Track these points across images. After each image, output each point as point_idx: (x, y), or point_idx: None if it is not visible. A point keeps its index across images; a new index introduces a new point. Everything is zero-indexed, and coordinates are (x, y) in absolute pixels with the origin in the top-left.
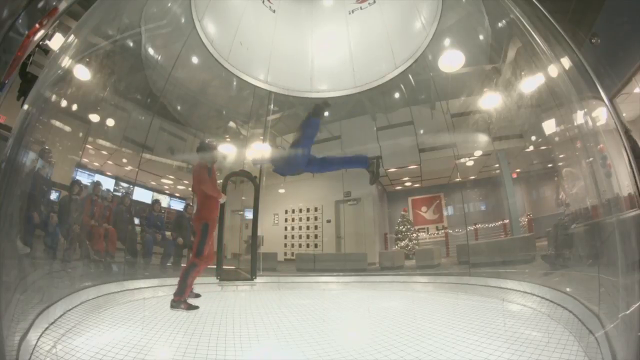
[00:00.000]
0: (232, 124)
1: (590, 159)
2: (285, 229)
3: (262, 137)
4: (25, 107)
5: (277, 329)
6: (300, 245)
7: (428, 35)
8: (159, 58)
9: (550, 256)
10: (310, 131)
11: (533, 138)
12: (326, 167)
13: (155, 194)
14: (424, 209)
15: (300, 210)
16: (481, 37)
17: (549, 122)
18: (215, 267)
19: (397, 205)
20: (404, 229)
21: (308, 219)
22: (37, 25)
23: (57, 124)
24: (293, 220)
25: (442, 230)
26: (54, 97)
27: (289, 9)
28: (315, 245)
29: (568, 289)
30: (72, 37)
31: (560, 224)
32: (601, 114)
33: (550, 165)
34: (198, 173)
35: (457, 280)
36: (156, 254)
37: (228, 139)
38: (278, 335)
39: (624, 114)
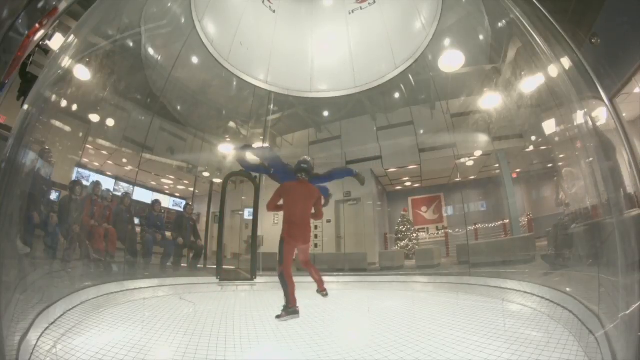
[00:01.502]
0: (232, 124)
1: (590, 159)
2: None
3: (262, 137)
4: (25, 107)
5: (277, 330)
6: None
7: (428, 35)
8: (159, 58)
9: (550, 256)
10: (342, 174)
11: (533, 138)
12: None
13: (155, 193)
14: (424, 209)
15: None
16: (481, 37)
17: (549, 122)
18: (215, 267)
19: (397, 205)
20: (404, 229)
21: None
22: (37, 25)
23: (57, 124)
24: None
25: (442, 230)
26: (54, 97)
27: (289, 9)
28: (315, 245)
29: (568, 289)
30: (72, 37)
31: (560, 224)
32: (601, 114)
33: (550, 165)
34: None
35: (457, 280)
36: (156, 254)
37: (228, 139)
38: (278, 335)
39: (624, 114)
